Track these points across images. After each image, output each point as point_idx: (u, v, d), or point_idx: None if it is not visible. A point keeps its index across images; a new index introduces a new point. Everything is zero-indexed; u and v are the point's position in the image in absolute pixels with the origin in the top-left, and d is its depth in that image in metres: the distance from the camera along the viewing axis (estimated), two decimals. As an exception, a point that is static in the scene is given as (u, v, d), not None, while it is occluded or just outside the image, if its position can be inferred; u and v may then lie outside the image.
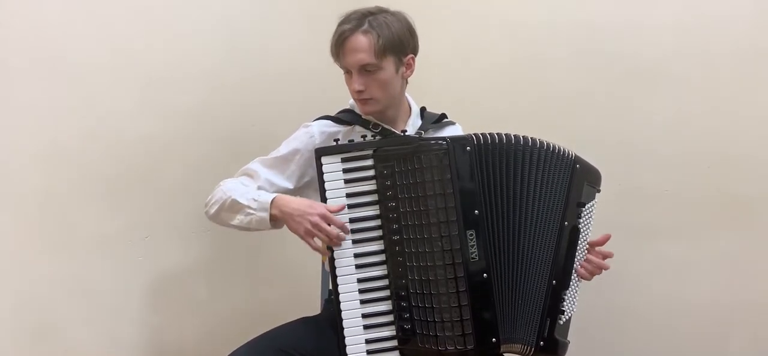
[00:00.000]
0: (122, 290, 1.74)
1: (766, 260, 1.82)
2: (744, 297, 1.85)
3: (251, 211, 1.47)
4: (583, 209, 1.49)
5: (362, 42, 1.48)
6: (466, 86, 2.21)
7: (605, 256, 1.54)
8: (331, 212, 1.41)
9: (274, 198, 1.46)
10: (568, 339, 1.50)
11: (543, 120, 2.04)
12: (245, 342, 1.46)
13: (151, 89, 1.78)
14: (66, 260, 1.63)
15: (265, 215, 1.45)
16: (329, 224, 1.40)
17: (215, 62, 1.94)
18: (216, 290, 1.96)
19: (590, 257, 1.53)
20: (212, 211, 1.53)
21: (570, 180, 1.47)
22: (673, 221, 1.92)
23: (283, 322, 1.54)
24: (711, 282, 1.89)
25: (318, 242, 1.42)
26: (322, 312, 1.66)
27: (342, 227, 1.41)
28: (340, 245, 1.42)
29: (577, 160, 1.49)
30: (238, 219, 1.49)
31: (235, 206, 1.49)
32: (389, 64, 1.51)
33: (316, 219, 1.39)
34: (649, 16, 1.90)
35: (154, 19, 1.78)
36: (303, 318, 1.58)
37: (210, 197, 1.55)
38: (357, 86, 1.50)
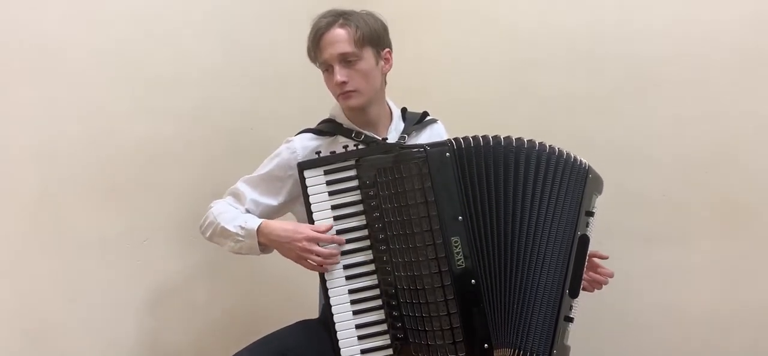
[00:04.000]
0: (120, 293, 1.76)
1: (765, 264, 1.77)
2: (743, 302, 1.81)
3: (240, 239, 1.47)
4: (591, 218, 1.47)
5: (340, 34, 1.48)
6: (462, 89, 2.19)
7: (606, 274, 1.52)
8: (318, 232, 1.40)
9: (259, 226, 1.46)
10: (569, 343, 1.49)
11: (540, 123, 2.02)
12: (244, 345, 1.47)
13: (150, 91, 1.79)
14: (64, 263, 1.65)
15: (254, 242, 1.46)
16: (320, 243, 1.39)
17: (214, 65, 1.94)
18: (215, 293, 1.99)
19: (592, 274, 1.51)
20: (207, 235, 1.55)
21: (583, 190, 1.44)
22: (671, 226, 1.89)
23: (282, 325, 1.55)
24: (710, 287, 1.86)
25: (312, 263, 1.41)
26: (320, 315, 1.66)
27: (334, 241, 1.40)
28: (337, 262, 1.41)
29: (590, 170, 1.46)
30: (230, 246, 1.50)
31: (225, 233, 1.49)
32: (369, 55, 1.51)
33: (304, 244, 1.39)
34: (647, 20, 1.85)
35: (153, 21, 1.79)
36: (302, 321, 1.59)
37: (203, 219, 1.56)
38: (339, 78, 1.48)
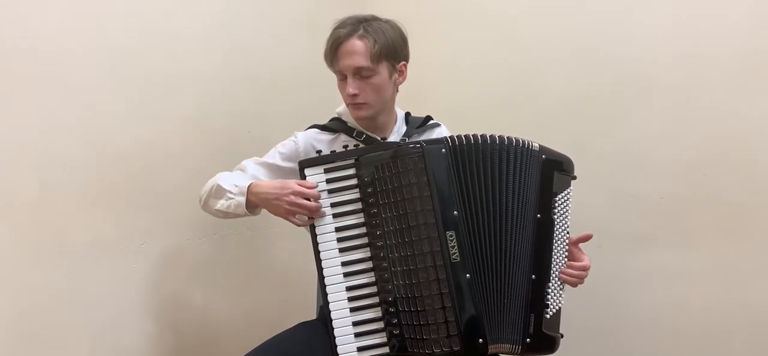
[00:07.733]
0: (118, 297, 1.76)
1: (763, 266, 1.79)
2: (742, 303, 1.82)
3: (231, 195, 1.52)
4: (557, 199, 1.48)
5: (358, 46, 1.50)
6: (461, 93, 2.21)
7: (583, 268, 1.51)
8: (305, 187, 1.44)
9: (250, 184, 1.51)
10: (561, 332, 1.49)
11: (538, 126, 2.04)
12: (242, 348, 1.46)
13: (148, 93, 1.80)
14: (62, 266, 1.64)
15: (243, 199, 1.50)
16: (308, 198, 1.43)
17: (213, 68, 1.96)
18: (212, 297, 1.99)
19: (569, 270, 1.50)
20: (203, 200, 1.60)
21: (539, 172, 1.47)
22: (669, 229, 1.90)
23: (280, 328, 1.55)
24: (708, 290, 1.87)
25: (300, 219, 1.45)
26: (318, 316, 1.68)
27: (315, 197, 1.43)
28: (323, 215, 1.44)
29: (543, 150, 1.48)
30: (220, 204, 1.54)
31: (219, 191, 1.54)
32: (383, 70, 1.53)
33: (292, 198, 1.43)
34: (645, 22, 1.87)
35: (152, 24, 1.80)
36: (303, 322, 1.59)
37: (204, 188, 1.61)
38: (351, 90, 1.52)
